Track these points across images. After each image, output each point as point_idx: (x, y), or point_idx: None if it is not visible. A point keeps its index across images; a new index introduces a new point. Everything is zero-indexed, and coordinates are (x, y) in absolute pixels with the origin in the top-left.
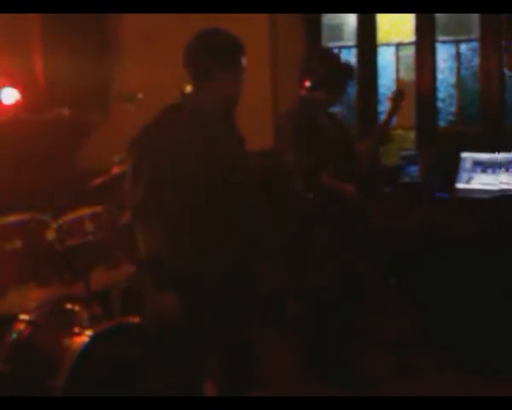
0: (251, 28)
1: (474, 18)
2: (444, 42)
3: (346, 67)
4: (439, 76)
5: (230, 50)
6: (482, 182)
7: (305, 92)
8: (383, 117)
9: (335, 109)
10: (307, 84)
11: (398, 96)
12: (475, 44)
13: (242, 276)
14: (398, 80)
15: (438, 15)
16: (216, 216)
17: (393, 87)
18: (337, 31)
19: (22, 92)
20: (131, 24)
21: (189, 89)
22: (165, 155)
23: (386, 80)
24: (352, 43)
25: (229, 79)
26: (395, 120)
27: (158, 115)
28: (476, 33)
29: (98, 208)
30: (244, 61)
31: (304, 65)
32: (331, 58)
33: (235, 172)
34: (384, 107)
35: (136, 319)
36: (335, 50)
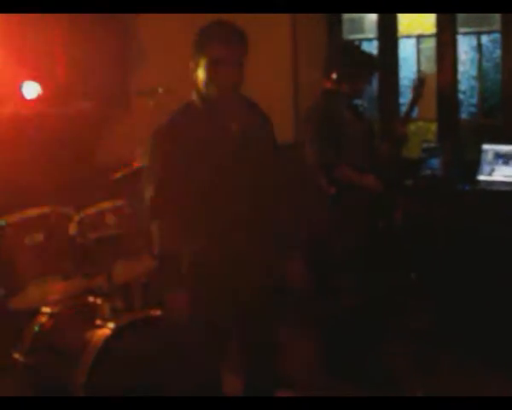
0: (272, 22)
1: None
2: (465, 34)
3: (370, 58)
4: (461, 68)
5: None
6: (504, 174)
7: (330, 85)
8: (405, 107)
9: (358, 101)
10: (332, 76)
11: (419, 84)
12: (497, 36)
13: (255, 269)
14: (420, 71)
15: None
16: (226, 207)
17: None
18: (358, 23)
19: (44, 86)
20: (152, 21)
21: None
22: (175, 153)
23: (408, 72)
24: (372, 35)
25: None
26: (417, 110)
27: (171, 113)
28: (498, 25)
29: (120, 202)
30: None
31: (328, 58)
32: (354, 50)
33: (244, 160)
34: (405, 99)
35: (157, 312)
36: (356, 43)
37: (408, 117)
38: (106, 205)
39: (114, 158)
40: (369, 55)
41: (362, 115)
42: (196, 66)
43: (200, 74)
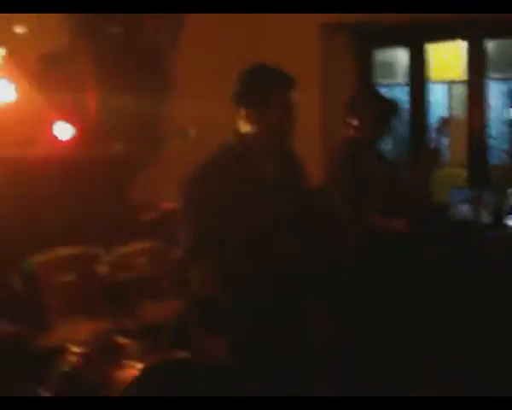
0: (303, 64)
1: None
2: (495, 79)
3: (391, 103)
4: (491, 114)
5: (278, 85)
6: None
7: (352, 131)
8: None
9: (384, 147)
10: (353, 122)
11: (444, 124)
12: None
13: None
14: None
15: (489, 53)
16: (264, 255)
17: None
18: (389, 68)
19: (76, 127)
20: (187, 60)
21: (241, 127)
22: (213, 198)
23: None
24: (403, 80)
25: (279, 117)
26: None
27: (210, 155)
28: None
29: (150, 243)
30: (294, 96)
31: (349, 103)
32: (375, 95)
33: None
34: None
35: (185, 355)
36: (386, 88)
37: (438, 139)
38: (137, 246)
39: (145, 199)
40: (390, 101)
41: (386, 159)
42: (262, 108)
43: (265, 117)
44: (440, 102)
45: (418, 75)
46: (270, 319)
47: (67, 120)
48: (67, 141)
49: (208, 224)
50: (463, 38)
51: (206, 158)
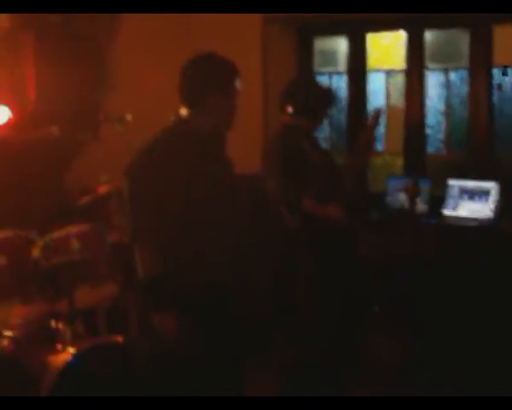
0: (243, 52)
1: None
2: (433, 70)
3: (327, 92)
4: (428, 103)
5: (225, 75)
6: (469, 209)
7: (287, 119)
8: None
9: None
10: (289, 110)
11: (377, 114)
12: (465, 73)
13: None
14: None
15: (427, 44)
16: (209, 234)
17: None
18: (329, 57)
19: (13, 111)
20: (124, 45)
21: (183, 112)
22: (160, 179)
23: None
24: (343, 69)
25: (224, 104)
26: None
27: (152, 140)
28: (466, 62)
29: (84, 227)
30: (239, 85)
31: (285, 91)
32: (311, 84)
33: (225, 191)
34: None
35: (120, 338)
36: (326, 76)
37: (372, 128)
38: (71, 230)
39: (81, 183)
40: (325, 89)
41: (320, 147)
42: (204, 101)
43: (216, 108)
44: (378, 90)
45: (357, 64)
46: (216, 300)
47: (4, 103)
48: (3, 124)
49: (151, 209)
50: (403, 28)
51: (150, 140)
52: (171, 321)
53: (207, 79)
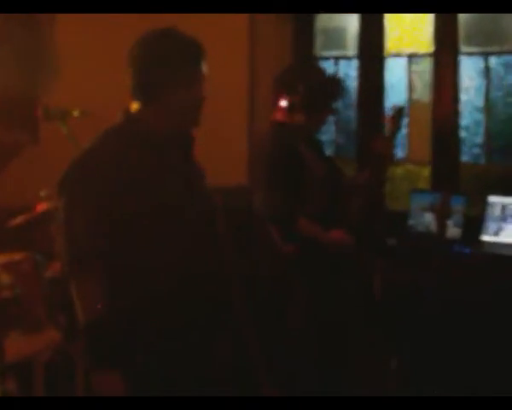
0: (224, 32)
1: (506, 26)
2: (469, 54)
3: (332, 82)
4: (463, 97)
5: (188, 58)
6: None
7: (281, 116)
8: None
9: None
10: (283, 104)
11: (397, 115)
12: (510, 59)
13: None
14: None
15: (462, 22)
16: (163, 264)
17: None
18: (335, 37)
19: None
20: (68, 28)
21: (134, 107)
22: (104, 192)
23: (396, 101)
24: (352, 52)
25: (185, 96)
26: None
27: (94, 142)
28: (511, 44)
29: (18, 256)
30: (204, 69)
31: (279, 80)
32: (312, 71)
33: (183, 212)
34: None
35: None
36: (331, 62)
37: (393, 137)
38: (0, 259)
39: (15, 200)
40: (330, 78)
41: (323, 152)
42: (158, 92)
43: (175, 102)
44: (399, 81)
45: (371, 46)
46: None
47: None
48: None
49: (91, 230)
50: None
51: (92, 142)
52: (117, 381)
53: (163, 63)
